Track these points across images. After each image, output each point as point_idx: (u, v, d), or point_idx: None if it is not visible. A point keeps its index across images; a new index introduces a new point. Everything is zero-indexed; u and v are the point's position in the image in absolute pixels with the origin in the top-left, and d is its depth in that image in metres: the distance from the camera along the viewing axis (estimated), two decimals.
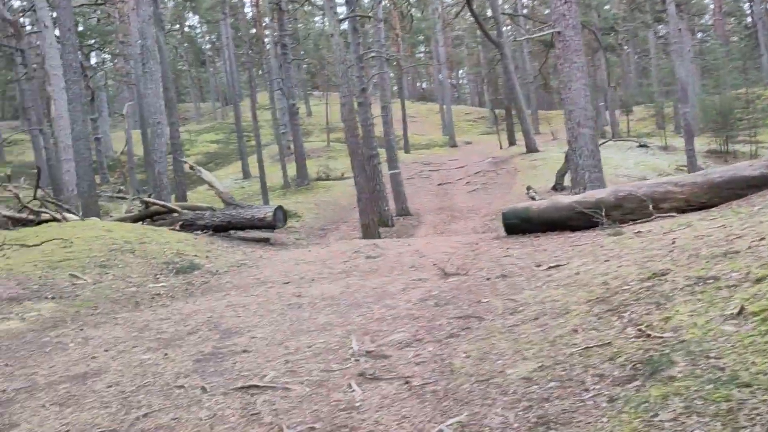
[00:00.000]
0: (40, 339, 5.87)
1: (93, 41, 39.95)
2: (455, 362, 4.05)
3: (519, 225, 10.56)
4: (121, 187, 34.53)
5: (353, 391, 3.86)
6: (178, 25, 71.92)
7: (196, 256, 10.73)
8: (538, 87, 55.41)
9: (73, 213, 15.36)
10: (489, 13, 38.85)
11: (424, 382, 3.81)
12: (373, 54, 25.40)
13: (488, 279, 6.57)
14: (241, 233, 13.93)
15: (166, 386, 4.33)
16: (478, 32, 62.90)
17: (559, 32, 14.78)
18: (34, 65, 32.19)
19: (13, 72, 39.31)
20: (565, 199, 10.29)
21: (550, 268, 6.46)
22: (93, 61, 52.70)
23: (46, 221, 14.72)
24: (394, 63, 42.94)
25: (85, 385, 4.53)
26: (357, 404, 3.65)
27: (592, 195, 9.96)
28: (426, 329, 4.95)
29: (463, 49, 74.90)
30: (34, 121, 30.80)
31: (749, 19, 65.41)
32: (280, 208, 12.96)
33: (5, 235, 11.86)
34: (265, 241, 13.30)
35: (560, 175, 26.39)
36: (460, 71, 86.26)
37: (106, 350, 5.38)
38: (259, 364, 4.59)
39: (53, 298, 7.45)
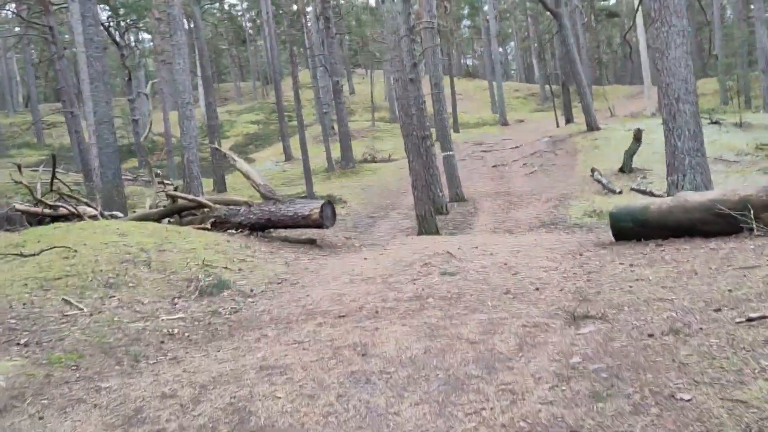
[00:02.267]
0: None
1: (128, 18, 38.10)
2: None
3: (632, 229, 8.34)
4: (158, 172, 32.89)
5: None
6: (218, 3, 70.36)
7: (226, 268, 8.69)
8: (591, 61, 52.71)
9: (93, 206, 13.45)
10: None
11: None
12: (424, 25, 23.03)
13: (651, 336, 4.37)
14: (282, 232, 11.91)
15: None
16: (528, 3, 60.27)
17: None
18: (65, 45, 30.57)
19: (47, 51, 37.84)
20: (695, 196, 8.01)
21: (753, 320, 4.24)
22: (132, 40, 51.30)
23: (64, 217, 12.88)
24: (446, 37, 40.54)
25: None
26: None
27: (734, 192, 7.68)
28: None
29: (510, 22, 71.95)
30: (68, 103, 29.11)
31: None
32: (328, 203, 10.86)
33: (6, 239, 9.99)
34: (311, 242, 11.24)
35: (629, 155, 23.98)
36: (507, 47, 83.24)
37: None
38: None
39: (27, 345, 5.44)
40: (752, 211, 7.26)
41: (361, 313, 6.25)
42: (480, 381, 3.95)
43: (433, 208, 17.57)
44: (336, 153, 32.03)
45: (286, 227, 11.27)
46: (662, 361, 3.85)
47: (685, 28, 12.28)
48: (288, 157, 35.72)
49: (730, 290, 5.14)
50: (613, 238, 8.65)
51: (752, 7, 42.86)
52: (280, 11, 52.15)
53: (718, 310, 4.67)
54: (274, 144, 43.33)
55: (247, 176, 11.73)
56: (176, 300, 7.25)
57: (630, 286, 5.99)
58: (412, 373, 4.22)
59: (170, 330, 6.10)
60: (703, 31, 51.07)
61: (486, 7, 50.08)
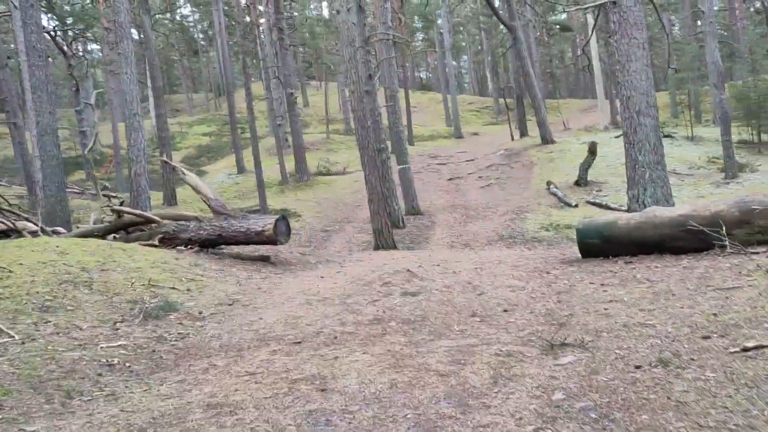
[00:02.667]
0: None
1: (76, 27, 37.06)
2: None
3: (599, 245, 8.02)
4: (106, 185, 31.96)
5: None
6: (169, 13, 69.27)
7: (174, 288, 8.15)
8: (544, 75, 53.00)
9: (33, 222, 12.76)
10: None
11: None
12: (380, 36, 22.72)
13: (639, 368, 4.00)
14: (235, 248, 11.37)
15: None
16: (482, 17, 60.47)
17: (614, 2, 12.25)
18: (9, 54, 29.53)
19: None
20: (664, 212, 7.72)
21: (749, 350, 3.90)
22: (81, 50, 49.99)
23: (2, 233, 12.16)
24: (402, 49, 40.36)
25: None
26: None
27: (705, 207, 7.42)
28: None
29: (464, 35, 72.17)
30: (11, 113, 28.06)
31: (758, 4, 62.98)
32: (282, 219, 10.33)
33: None
34: (265, 260, 10.70)
35: (584, 169, 23.95)
36: (461, 60, 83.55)
37: None
38: None
39: None
40: (724, 228, 7.01)
41: (318, 339, 5.80)
42: (454, 423, 3.52)
43: (390, 221, 17.20)
44: (290, 165, 31.52)
45: (238, 244, 10.72)
46: (656, 399, 3.48)
47: (645, 41, 12.15)
48: (241, 169, 35.07)
49: (714, 314, 4.82)
50: (579, 255, 8.33)
51: (699, 23, 43.53)
52: (233, 22, 51.45)
53: (706, 337, 4.34)
54: (227, 156, 42.60)
55: (197, 190, 11.15)
56: (118, 325, 6.70)
57: (605, 309, 5.64)
58: (378, 413, 3.78)
59: (110, 359, 5.57)
60: (654, 45, 51.76)
61: (440, 21, 50.12)
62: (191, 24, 76.29)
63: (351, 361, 4.91)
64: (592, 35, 21.20)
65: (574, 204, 21.28)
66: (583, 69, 21.47)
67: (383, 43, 24.42)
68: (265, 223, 10.07)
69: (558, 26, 44.50)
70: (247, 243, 10.52)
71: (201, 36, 75.03)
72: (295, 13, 57.50)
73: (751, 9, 61.21)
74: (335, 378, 4.53)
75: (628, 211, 12.36)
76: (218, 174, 36.77)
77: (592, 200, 21.79)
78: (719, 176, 24.09)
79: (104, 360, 5.56)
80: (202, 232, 10.49)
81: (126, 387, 4.89)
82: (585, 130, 42.37)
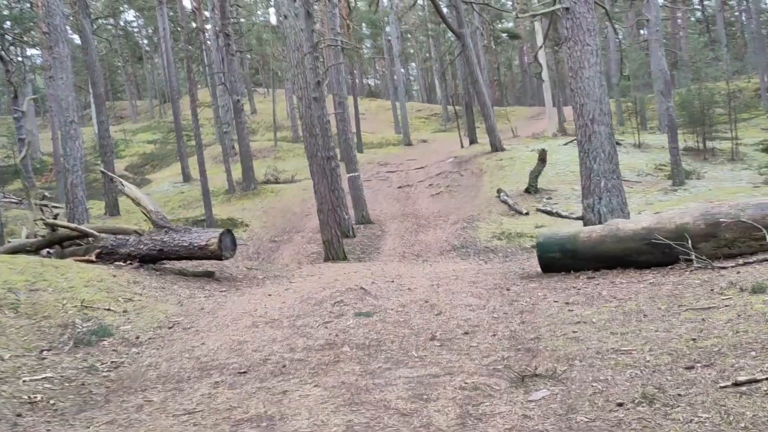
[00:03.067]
0: None
1: (13, 32, 35.78)
2: None
3: (560, 260, 7.69)
4: (46, 194, 30.75)
5: None
6: (112, 18, 67.73)
7: (109, 309, 7.56)
8: (491, 82, 53.12)
9: None
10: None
11: None
12: (328, 42, 22.27)
13: (621, 405, 3.62)
14: (178, 263, 10.77)
15: None
16: (430, 24, 60.36)
17: (567, 8, 12.00)
18: None
19: None
20: (628, 224, 7.42)
21: (742, 384, 3.55)
22: (19, 55, 48.43)
23: None
24: (351, 55, 39.94)
25: None
26: None
27: (670, 219, 7.13)
28: None
29: (411, 43, 72.04)
30: None
31: (698, 14, 64.17)
32: (227, 232, 9.77)
33: None
34: (209, 276, 10.12)
35: (534, 176, 23.83)
36: (409, 67, 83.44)
37: None
38: None
39: None
40: (690, 241, 6.73)
41: (265, 368, 5.32)
42: None
43: (340, 231, 16.76)
44: (237, 173, 30.82)
45: (180, 259, 10.12)
46: None
47: (598, 48, 11.93)
48: (186, 178, 34.21)
49: (693, 339, 4.49)
50: (539, 269, 7.98)
51: (642, 32, 44.04)
52: (178, 28, 50.50)
53: (690, 367, 3.99)
54: (172, 164, 41.56)
55: (137, 202, 10.49)
56: (45, 353, 6.12)
57: (573, 331, 5.28)
58: None
59: (32, 396, 5.00)
60: (603, 54, 52.29)
61: (388, 28, 49.83)
62: (135, 29, 74.81)
63: (301, 396, 4.45)
64: (544, 42, 21.07)
65: (524, 212, 21.11)
66: (535, 76, 21.33)
67: (332, 49, 23.98)
68: (208, 237, 9.50)
69: (506, 34, 44.55)
70: (190, 258, 9.93)
71: (146, 42, 73.54)
72: (242, 19, 56.68)
73: (692, 18, 62.55)
74: (284, 418, 4.07)
75: (583, 220, 12.12)
76: (163, 183, 35.83)
77: (542, 208, 21.66)
78: (667, 183, 24.22)
79: (26, 396, 5.00)
80: (141, 246, 9.87)
81: (47, 431, 4.35)
82: (533, 137, 42.44)
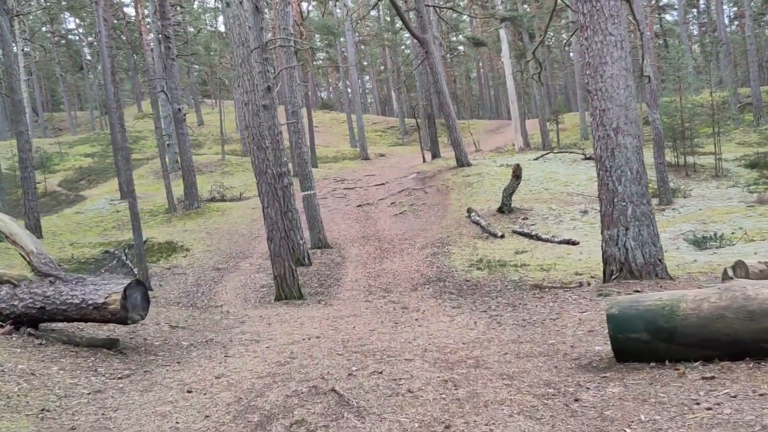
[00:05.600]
0: None
1: None
2: None
3: (647, 344, 4.99)
4: None
5: None
6: (49, 25, 64.27)
7: None
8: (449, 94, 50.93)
9: None
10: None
11: None
12: (280, 42, 19.58)
13: None
14: (66, 325, 7.87)
15: None
16: (385, 34, 58.07)
17: None
18: None
19: None
20: (762, 290, 4.77)
21: None
22: None
23: None
24: (304, 59, 37.27)
25: None
26: None
27: None
28: None
29: (365, 55, 69.71)
30: None
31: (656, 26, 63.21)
32: (137, 284, 6.86)
33: None
34: (111, 345, 7.22)
35: (508, 194, 21.44)
36: (363, 79, 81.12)
37: None
38: None
39: None
40: None
41: None
42: None
43: (294, 258, 14.10)
44: (179, 190, 27.90)
45: (70, 321, 7.16)
46: None
47: (624, 39, 9.49)
48: (124, 194, 31.12)
49: None
50: (608, 349, 5.30)
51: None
52: (120, 33, 47.32)
53: None
54: (110, 179, 38.39)
55: (12, 241, 7.56)
56: None
57: None
58: None
59: None
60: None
61: (343, 38, 47.32)
62: (77, 38, 71.34)
63: None
64: (536, 44, 18.78)
65: (500, 234, 18.77)
66: (533, 77, 19.10)
67: (284, 51, 21.33)
68: (109, 293, 6.60)
69: (471, 40, 42.40)
70: (84, 320, 7.00)
71: (88, 51, 69.99)
72: (191, 29, 53.75)
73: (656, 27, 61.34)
74: None
75: (603, 256, 9.64)
76: (99, 200, 32.64)
77: (519, 230, 19.33)
78: (653, 202, 22.07)
79: None
80: (16, 302, 6.96)
81: None
82: (497, 151, 40.38)
